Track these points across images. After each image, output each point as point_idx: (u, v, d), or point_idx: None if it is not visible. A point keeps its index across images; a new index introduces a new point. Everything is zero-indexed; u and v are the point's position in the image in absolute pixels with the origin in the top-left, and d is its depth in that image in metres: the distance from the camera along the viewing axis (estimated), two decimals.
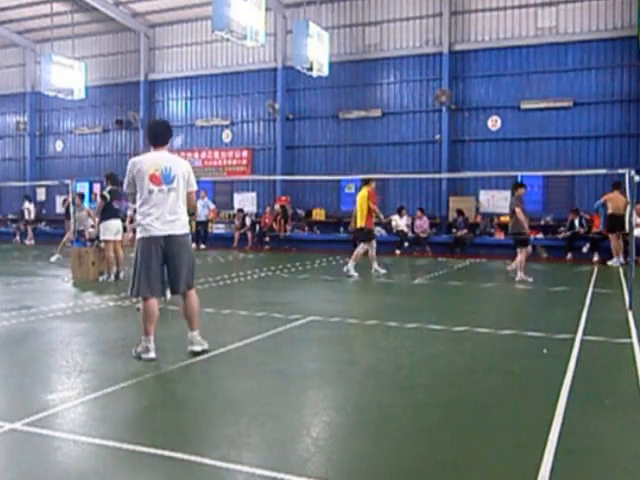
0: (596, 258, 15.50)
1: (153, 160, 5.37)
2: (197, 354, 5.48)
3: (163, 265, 5.40)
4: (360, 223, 12.07)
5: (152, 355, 5.38)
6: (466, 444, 3.59)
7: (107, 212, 11.32)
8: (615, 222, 15.06)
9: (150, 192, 5.28)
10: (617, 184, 15.16)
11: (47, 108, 25.86)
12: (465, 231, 17.89)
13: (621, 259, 14.86)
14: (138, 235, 5.42)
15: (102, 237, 11.33)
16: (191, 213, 5.66)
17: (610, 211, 15.25)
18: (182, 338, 6.53)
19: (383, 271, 12.40)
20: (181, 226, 5.40)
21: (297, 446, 3.58)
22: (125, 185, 5.49)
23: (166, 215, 5.30)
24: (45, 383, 4.85)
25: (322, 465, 3.31)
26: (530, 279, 11.30)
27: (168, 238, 5.32)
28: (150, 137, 5.52)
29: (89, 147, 25.37)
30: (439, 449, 3.53)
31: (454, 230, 18.30)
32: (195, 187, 5.57)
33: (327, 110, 21.18)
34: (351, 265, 12.02)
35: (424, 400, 4.44)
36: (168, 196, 5.31)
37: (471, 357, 5.76)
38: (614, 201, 15.16)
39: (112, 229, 11.29)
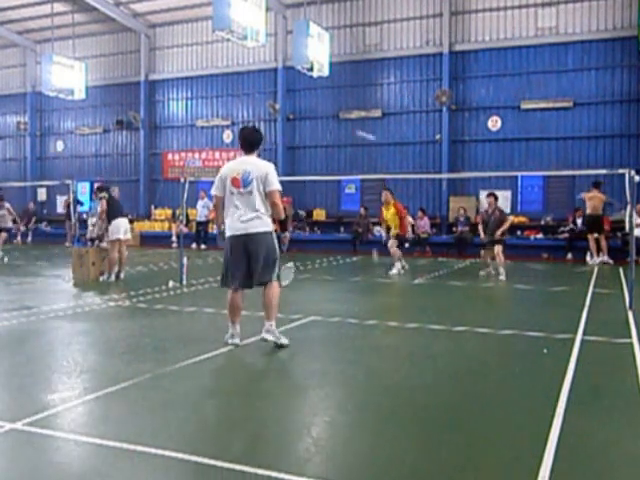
0: (588, 258, 15.49)
1: (235, 165, 5.92)
2: (265, 341, 5.82)
3: (245, 260, 5.80)
4: (399, 230, 12.88)
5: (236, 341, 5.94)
6: (466, 444, 3.59)
7: (114, 211, 11.35)
8: (592, 222, 15.09)
9: (231, 194, 5.78)
10: (596, 183, 15.22)
11: (48, 108, 25.88)
12: (467, 228, 17.83)
13: (599, 258, 14.92)
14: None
15: (111, 237, 11.29)
16: (280, 218, 6.03)
17: (588, 211, 15.32)
18: (182, 339, 6.53)
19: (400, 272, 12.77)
20: (258, 225, 5.76)
21: (297, 446, 3.59)
22: (213, 189, 5.98)
23: (246, 215, 5.73)
24: (46, 383, 4.85)
25: (322, 465, 3.31)
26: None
27: (246, 236, 5.74)
28: (240, 143, 6.04)
29: (90, 147, 25.37)
30: (439, 449, 3.53)
31: (455, 229, 18.26)
32: (274, 187, 5.79)
33: (327, 110, 21.18)
34: (399, 265, 12.82)
35: (424, 400, 4.45)
36: (248, 198, 5.74)
37: (471, 357, 5.76)
38: (592, 201, 15.20)
39: (121, 228, 11.30)
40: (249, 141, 5.97)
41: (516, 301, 10.11)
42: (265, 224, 5.79)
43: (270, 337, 5.73)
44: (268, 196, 5.78)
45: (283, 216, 6.08)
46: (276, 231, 5.99)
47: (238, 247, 5.78)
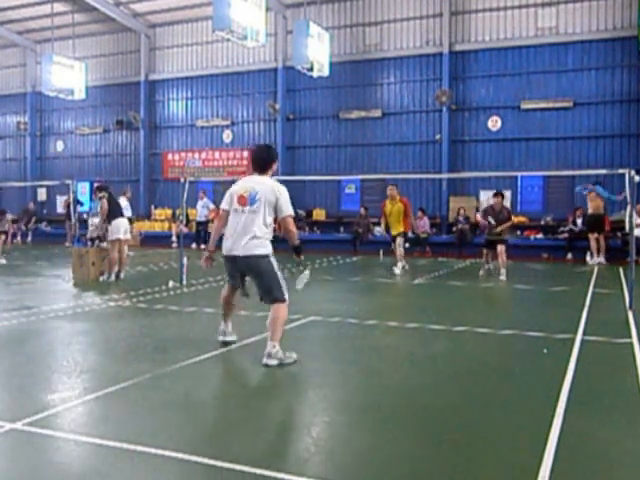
0: (588, 258, 15.47)
1: (245, 183, 5.63)
2: (267, 366, 5.21)
3: (240, 276, 5.64)
4: (402, 229, 12.97)
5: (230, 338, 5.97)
6: (466, 444, 3.59)
7: (114, 211, 11.38)
8: (594, 222, 15.17)
9: (235, 211, 5.51)
10: (597, 184, 15.34)
11: (48, 108, 25.88)
12: (467, 226, 17.78)
13: (598, 259, 14.95)
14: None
15: (111, 237, 11.32)
16: (294, 244, 5.62)
17: (590, 211, 15.43)
18: (182, 339, 6.54)
19: (401, 271, 12.85)
20: (256, 246, 5.43)
21: (297, 446, 3.59)
22: (222, 203, 5.71)
23: (244, 235, 5.42)
24: (46, 383, 4.85)
25: (322, 465, 3.31)
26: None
27: (241, 259, 5.45)
28: (251, 164, 5.78)
29: (90, 147, 25.38)
30: (439, 449, 3.53)
31: (455, 228, 18.22)
32: (286, 213, 5.47)
33: (327, 110, 21.18)
34: (401, 265, 12.93)
35: (424, 400, 4.45)
36: (250, 217, 5.43)
37: (471, 357, 5.76)
38: (594, 201, 15.31)
39: (121, 228, 11.34)
40: (260, 161, 5.66)
41: (516, 301, 10.11)
42: (262, 246, 5.45)
43: (272, 362, 5.20)
44: (281, 223, 5.52)
45: (297, 242, 5.69)
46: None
47: (232, 267, 5.59)
